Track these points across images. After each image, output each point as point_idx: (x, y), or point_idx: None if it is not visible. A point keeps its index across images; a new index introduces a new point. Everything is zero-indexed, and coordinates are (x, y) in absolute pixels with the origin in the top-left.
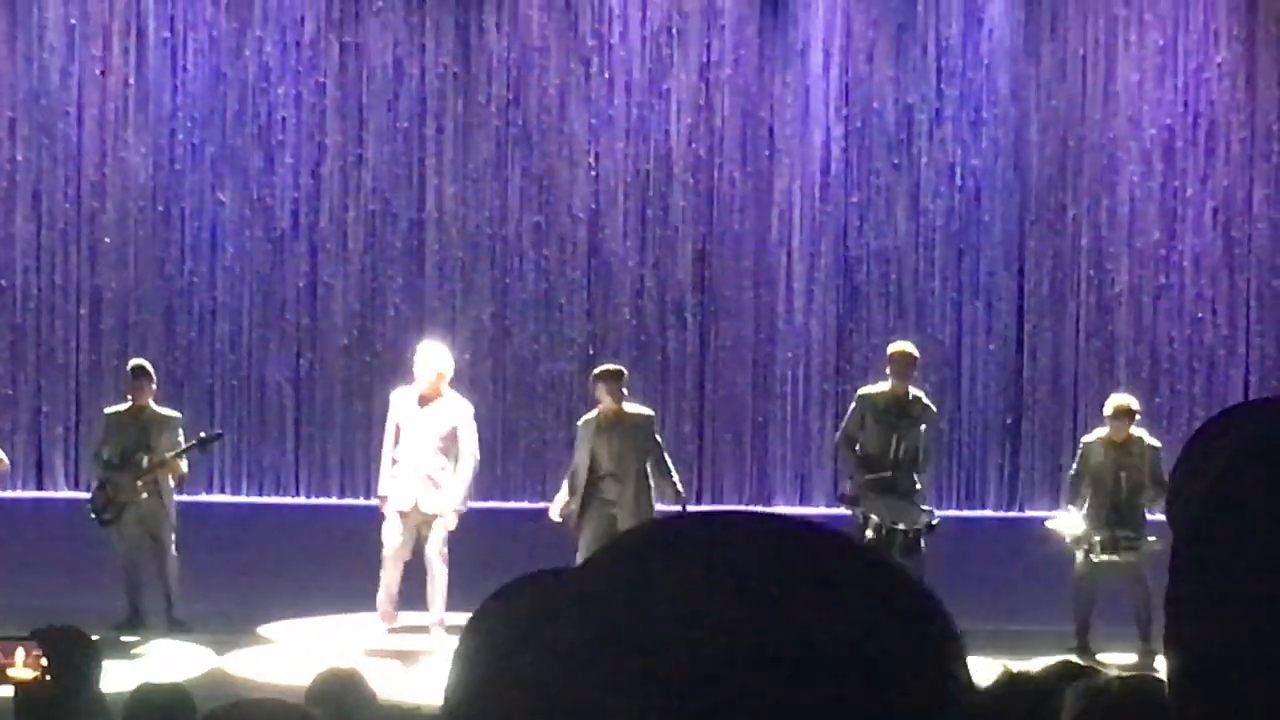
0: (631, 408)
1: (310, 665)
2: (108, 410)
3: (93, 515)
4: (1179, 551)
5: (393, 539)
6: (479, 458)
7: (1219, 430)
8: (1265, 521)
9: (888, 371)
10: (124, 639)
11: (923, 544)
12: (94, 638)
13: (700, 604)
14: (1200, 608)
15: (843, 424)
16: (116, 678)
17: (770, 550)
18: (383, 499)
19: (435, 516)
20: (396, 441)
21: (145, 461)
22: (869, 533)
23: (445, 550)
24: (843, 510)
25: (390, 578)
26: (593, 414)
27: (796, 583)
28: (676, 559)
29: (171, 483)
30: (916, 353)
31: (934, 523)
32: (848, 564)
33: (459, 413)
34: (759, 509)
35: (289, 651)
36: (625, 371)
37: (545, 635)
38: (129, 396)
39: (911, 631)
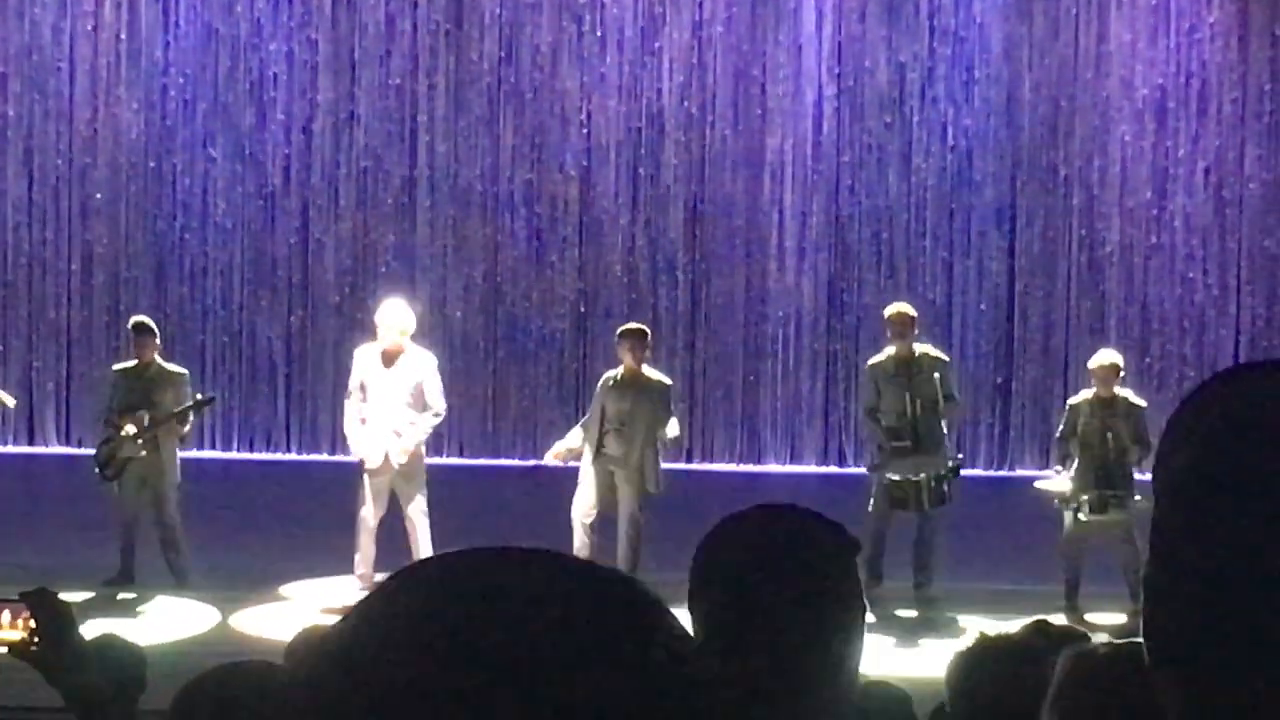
0: (652, 372)
1: (298, 622)
2: (115, 367)
3: (96, 470)
4: (1161, 515)
5: (368, 499)
6: (444, 409)
7: (1204, 398)
8: (1244, 491)
9: (888, 335)
10: (122, 595)
11: (947, 490)
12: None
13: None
14: (1179, 573)
15: (863, 398)
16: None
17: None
18: (361, 460)
19: (407, 472)
20: (363, 399)
21: (146, 419)
22: (897, 494)
23: (425, 505)
24: (837, 469)
25: (365, 540)
26: (614, 371)
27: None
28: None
29: (175, 441)
30: (913, 312)
31: (958, 466)
32: (532, 580)
33: (424, 366)
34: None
35: (279, 608)
36: (648, 332)
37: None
38: (133, 353)
39: (592, 628)
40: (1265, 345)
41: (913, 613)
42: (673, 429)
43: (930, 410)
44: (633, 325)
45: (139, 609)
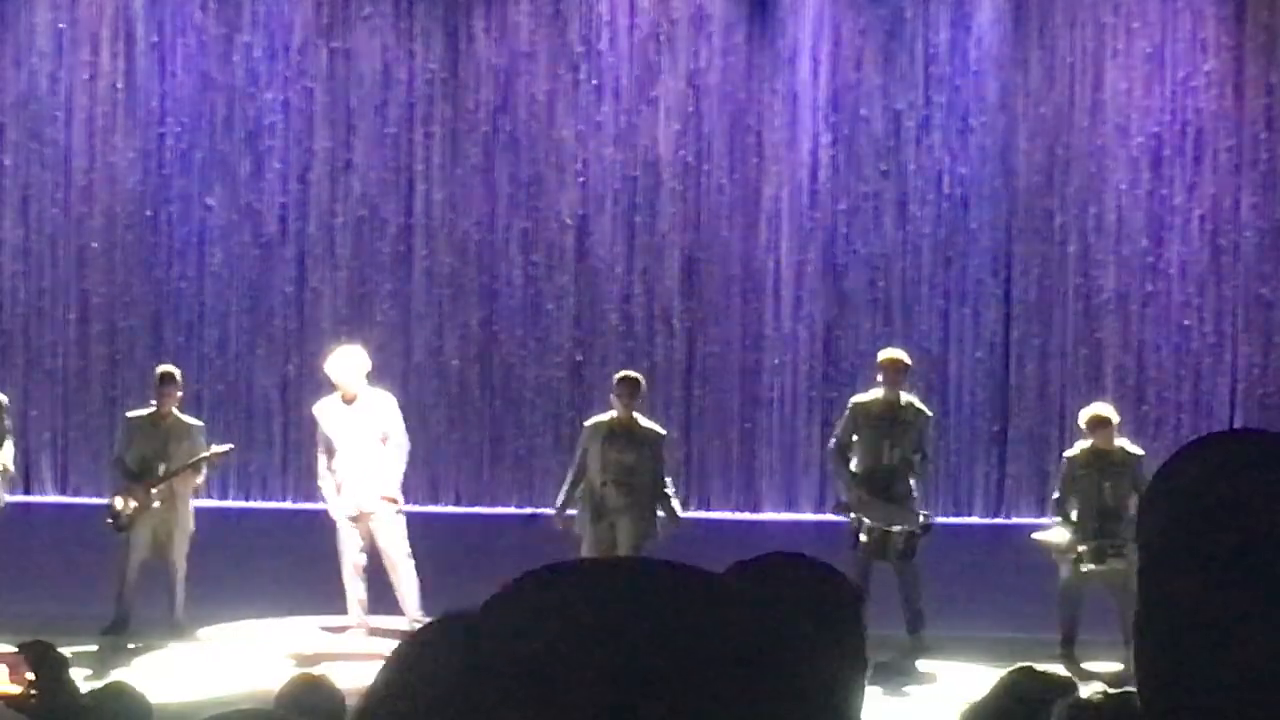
0: (645, 421)
1: (291, 670)
2: (128, 415)
3: (109, 521)
4: (1144, 574)
5: (350, 548)
6: (408, 443)
7: (1184, 460)
8: (1218, 553)
9: (879, 379)
10: (113, 645)
11: (918, 547)
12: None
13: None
14: (1159, 629)
15: (835, 433)
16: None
17: (622, 593)
18: (337, 519)
19: (379, 515)
20: (331, 455)
21: (161, 470)
22: (863, 537)
23: (406, 546)
24: (833, 517)
25: (355, 588)
26: (603, 418)
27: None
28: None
29: (189, 492)
30: (908, 359)
31: (929, 524)
32: (691, 599)
33: (384, 407)
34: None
35: (274, 654)
36: (642, 382)
37: (425, 669)
38: (154, 402)
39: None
40: (1261, 393)
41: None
42: (677, 507)
43: (904, 462)
44: (630, 374)
45: (132, 658)
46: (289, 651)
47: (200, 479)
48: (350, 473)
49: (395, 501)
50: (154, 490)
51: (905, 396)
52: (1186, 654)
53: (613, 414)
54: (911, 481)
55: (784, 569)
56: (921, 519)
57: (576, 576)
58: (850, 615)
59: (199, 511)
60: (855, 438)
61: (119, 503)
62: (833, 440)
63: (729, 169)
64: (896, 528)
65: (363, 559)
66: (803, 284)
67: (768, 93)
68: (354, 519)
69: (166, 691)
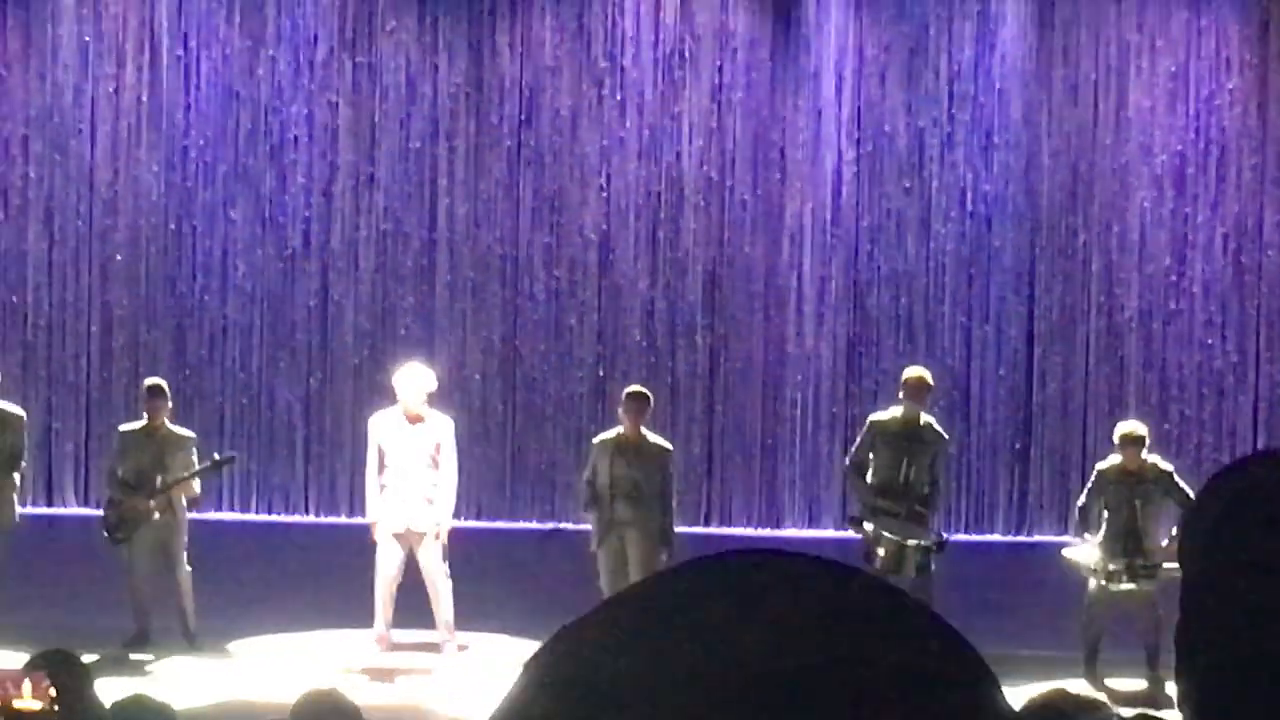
0: (652, 436)
1: (310, 682)
2: (122, 428)
3: (105, 534)
4: (1187, 591)
5: (389, 564)
6: (456, 473)
7: (1228, 478)
8: (1258, 570)
9: (900, 395)
10: (135, 657)
11: (932, 564)
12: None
13: (744, 644)
14: (1203, 647)
15: (853, 449)
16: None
17: (812, 592)
18: (373, 524)
19: (425, 534)
20: (381, 466)
21: (159, 481)
22: (880, 551)
23: (446, 566)
24: (852, 533)
25: (385, 602)
26: (610, 434)
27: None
28: (726, 600)
29: (185, 502)
30: (930, 378)
31: (943, 542)
32: (883, 605)
33: (443, 430)
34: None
35: (292, 668)
36: (650, 397)
37: (595, 668)
38: (144, 415)
39: (948, 665)
40: None
41: None
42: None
43: (920, 482)
44: (638, 389)
45: (154, 669)
46: (345, 666)
47: (197, 490)
48: (401, 490)
49: (446, 531)
50: (153, 502)
51: (925, 417)
52: (1232, 670)
53: (620, 430)
54: (925, 504)
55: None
56: (936, 535)
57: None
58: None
59: (223, 524)
60: (872, 455)
61: (114, 516)
62: (849, 457)
63: (752, 185)
64: (912, 542)
65: (399, 575)
66: (825, 300)
67: (791, 109)
68: (398, 535)
69: (190, 701)
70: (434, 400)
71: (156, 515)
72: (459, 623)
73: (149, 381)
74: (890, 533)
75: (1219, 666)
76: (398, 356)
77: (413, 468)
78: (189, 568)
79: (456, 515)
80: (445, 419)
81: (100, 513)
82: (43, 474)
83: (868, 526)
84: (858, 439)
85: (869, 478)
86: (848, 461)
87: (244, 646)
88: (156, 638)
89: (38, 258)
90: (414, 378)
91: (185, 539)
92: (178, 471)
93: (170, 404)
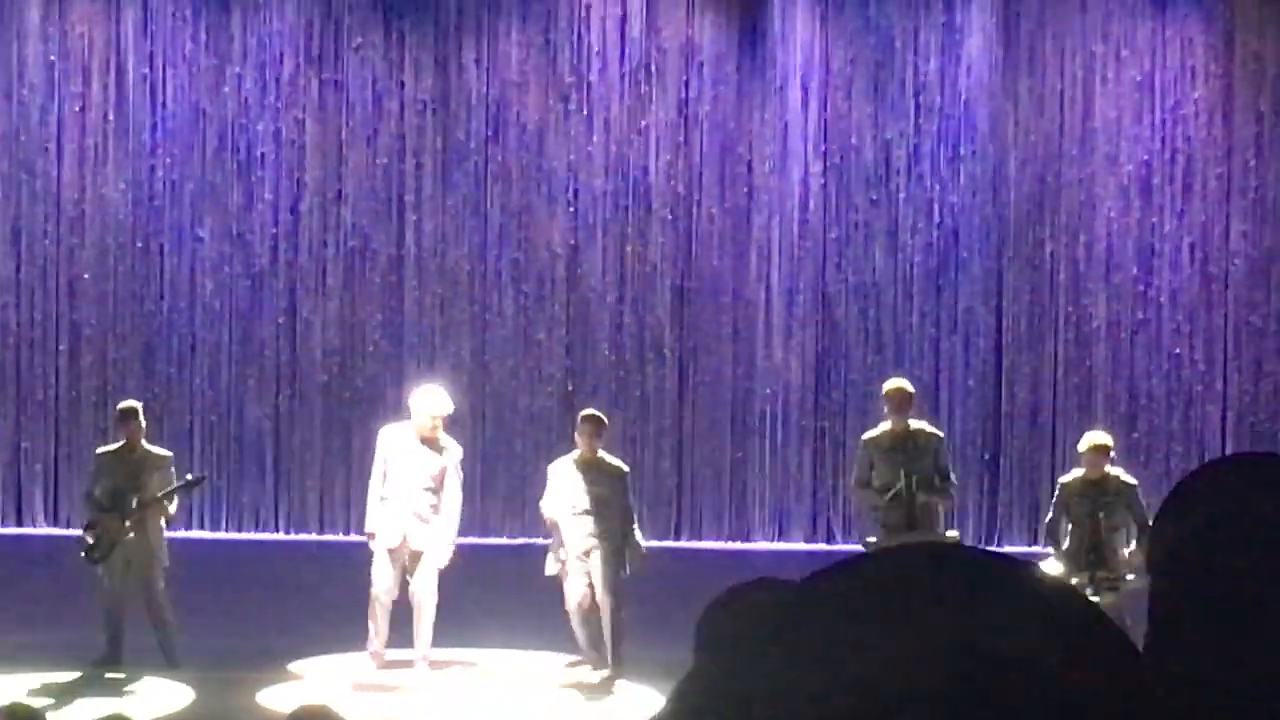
0: (609, 458)
1: (290, 702)
2: (99, 450)
3: (82, 555)
4: (1155, 598)
5: (383, 578)
6: (461, 502)
7: (1195, 485)
8: (1230, 571)
9: (885, 410)
10: (112, 676)
11: None
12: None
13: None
14: (1174, 657)
15: (854, 472)
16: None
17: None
18: (370, 535)
19: (422, 553)
20: (384, 479)
21: (134, 502)
22: None
23: (434, 587)
24: (825, 546)
25: (381, 619)
26: (568, 457)
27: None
28: (895, 590)
29: (162, 522)
30: (911, 388)
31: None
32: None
33: (451, 455)
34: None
35: (269, 688)
36: (604, 421)
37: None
38: (120, 437)
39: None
40: (1252, 420)
41: None
42: (640, 543)
43: (925, 487)
44: (591, 412)
45: (128, 689)
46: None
47: (172, 509)
48: (400, 505)
49: (447, 557)
50: (127, 522)
51: (915, 424)
52: (1204, 678)
53: (578, 451)
54: (939, 507)
55: None
56: (950, 538)
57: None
58: None
59: (191, 543)
60: (872, 472)
61: (91, 536)
62: (853, 479)
63: (720, 198)
64: None
65: (395, 591)
66: (794, 313)
67: (758, 122)
68: (392, 550)
69: None
70: (448, 425)
71: (130, 536)
72: (432, 638)
73: (122, 405)
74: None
75: (1190, 676)
76: (366, 373)
77: (415, 486)
78: (164, 588)
79: None
80: (455, 446)
81: (74, 533)
82: (12, 493)
83: (875, 542)
84: (855, 462)
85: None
86: (852, 483)
87: (217, 665)
88: (128, 656)
89: (5, 277)
90: (429, 400)
91: (165, 560)
92: (155, 491)
93: (144, 424)
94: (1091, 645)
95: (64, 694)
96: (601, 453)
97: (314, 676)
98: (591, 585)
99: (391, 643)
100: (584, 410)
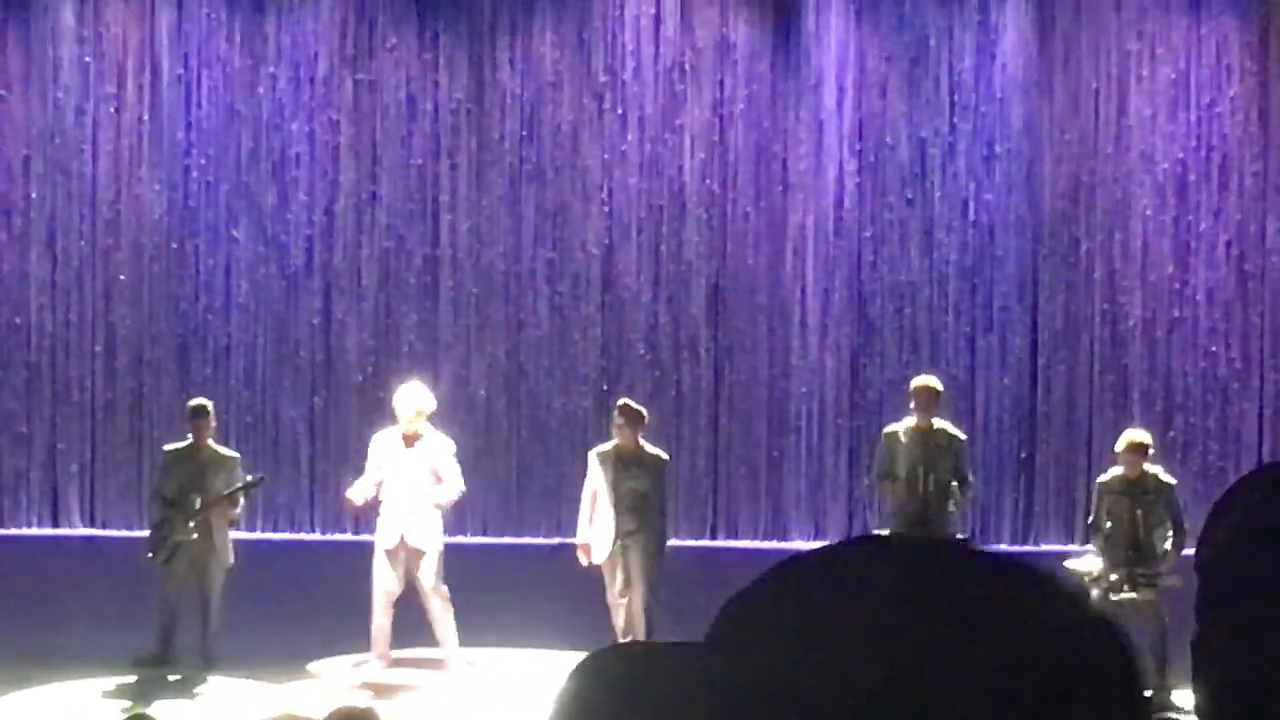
0: (650, 448)
1: (325, 703)
2: (166, 448)
3: (149, 555)
4: (1203, 600)
5: (382, 579)
6: (463, 489)
7: (1243, 490)
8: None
9: (911, 406)
10: (163, 676)
11: None
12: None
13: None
14: (1225, 646)
15: (873, 464)
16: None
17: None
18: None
19: (424, 552)
20: (378, 482)
21: (198, 502)
22: None
23: (441, 585)
24: None
25: (382, 619)
26: (608, 446)
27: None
28: (840, 592)
29: (225, 524)
30: (940, 386)
31: (970, 540)
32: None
33: (441, 450)
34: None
35: (307, 687)
36: (639, 411)
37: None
38: (189, 435)
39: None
40: None
41: None
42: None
43: (943, 487)
44: (630, 405)
45: (175, 690)
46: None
47: (237, 510)
48: (396, 507)
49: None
50: (191, 522)
51: (938, 423)
52: (1249, 679)
53: (616, 442)
54: (950, 507)
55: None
56: (964, 536)
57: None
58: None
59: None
60: (893, 465)
61: (158, 536)
62: (870, 471)
63: (755, 197)
64: None
65: (396, 590)
66: (829, 312)
67: (793, 121)
68: (390, 551)
69: None
70: (435, 419)
71: (195, 536)
72: (466, 638)
73: (193, 402)
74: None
75: (1236, 676)
76: (402, 373)
77: (409, 487)
78: (219, 596)
79: (461, 531)
80: (445, 440)
81: (110, 534)
82: (47, 495)
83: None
84: (875, 454)
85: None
86: (871, 476)
87: (254, 665)
88: (179, 658)
89: (41, 278)
90: (408, 397)
91: (228, 562)
92: (218, 491)
93: (213, 423)
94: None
95: (132, 695)
96: (643, 442)
97: (331, 676)
98: (625, 579)
99: (409, 641)
100: (622, 400)
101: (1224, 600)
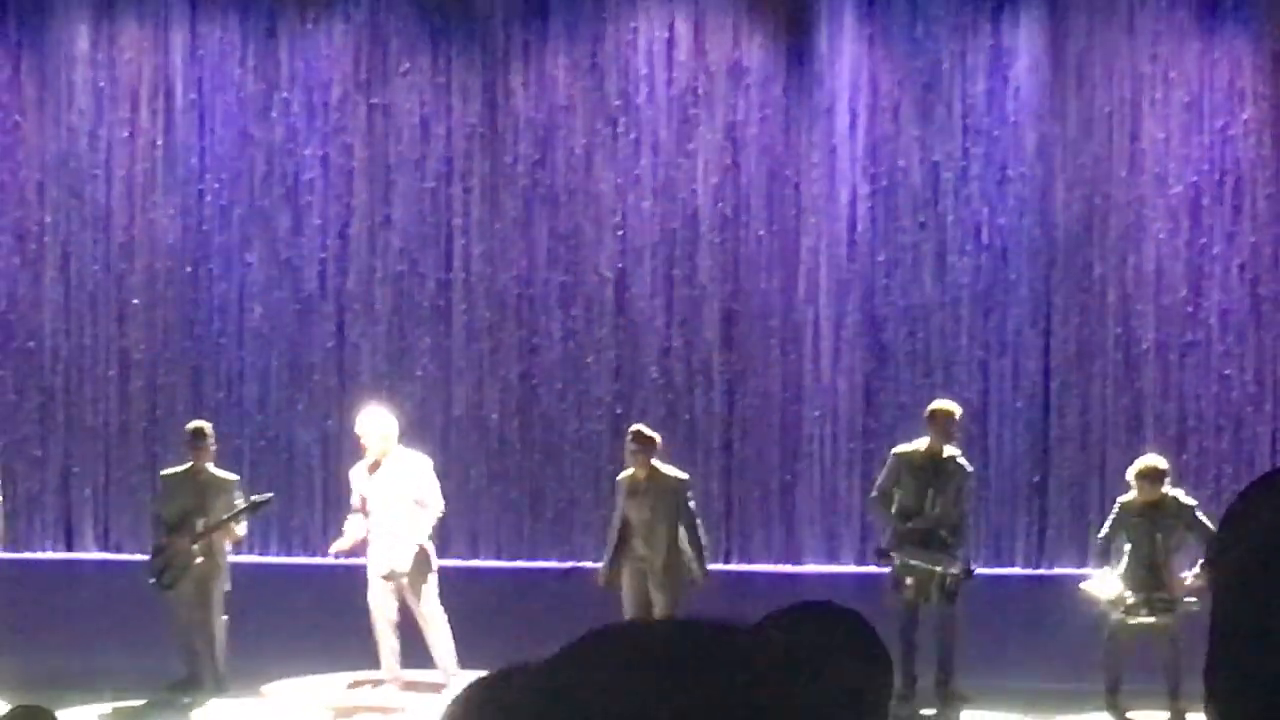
0: (665, 469)
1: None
2: (164, 472)
3: (151, 580)
4: (1220, 609)
5: (378, 603)
6: (442, 507)
7: (1256, 498)
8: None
9: (927, 428)
10: (185, 700)
11: (960, 590)
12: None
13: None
14: (1240, 662)
15: (878, 481)
16: None
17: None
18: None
19: (412, 576)
20: (365, 515)
21: (200, 525)
22: (908, 580)
23: (437, 607)
24: (875, 568)
25: (387, 642)
26: (626, 473)
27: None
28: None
29: (228, 545)
30: (956, 411)
31: (971, 570)
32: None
33: (416, 467)
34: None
35: (312, 710)
36: (655, 439)
37: None
38: (189, 459)
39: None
40: None
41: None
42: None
43: (946, 513)
44: (641, 431)
45: (179, 714)
46: (326, 704)
47: (240, 532)
48: (381, 535)
49: (408, 564)
50: (194, 545)
51: (949, 449)
52: (1266, 686)
53: (631, 470)
54: (951, 536)
55: (812, 620)
56: (964, 563)
57: (625, 639)
58: (877, 663)
59: (242, 567)
60: (899, 486)
61: (159, 562)
62: (875, 489)
63: (767, 221)
64: (939, 570)
65: (395, 614)
66: (842, 336)
67: (805, 145)
68: (384, 577)
69: None
70: (435, 440)
71: (199, 559)
72: (476, 662)
73: (191, 425)
74: (917, 562)
75: (1248, 699)
76: (415, 398)
77: (385, 512)
78: (225, 616)
79: (474, 555)
80: (418, 457)
81: (124, 558)
82: (61, 518)
83: (894, 557)
84: (882, 471)
85: (893, 509)
86: (873, 493)
87: (268, 688)
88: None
89: (54, 302)
90: (363, 424)
91: (227, 585)
92: (220, 514)
93: (213, 446)
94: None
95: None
96: (658, 465)
97: (340, 699)
98: (643, 604)
99: (427, 663)
100: (633, 427)
101: (1239, 612)
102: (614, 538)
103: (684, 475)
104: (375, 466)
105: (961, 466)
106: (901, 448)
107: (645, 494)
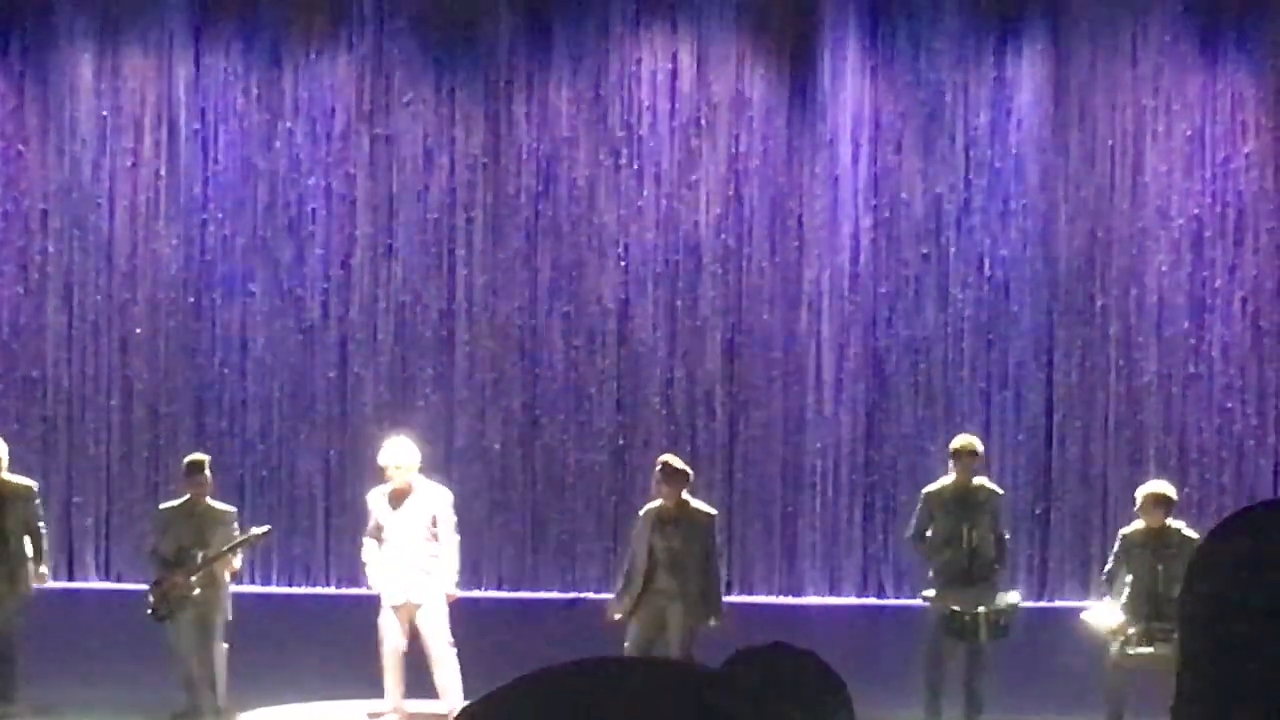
0: (695, 503)
1: None
2: (161, 506)
3: (149, 613)
4: (1185, 642)
5: (389, 635)
6: (456, 543)
7: (1225, 533)
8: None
9: (951, 465)
10: None
11: (1007, 625)
12: None
13: None
14: (1204, 696)
15: (912, 523)
16: None
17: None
18: (380, 595)
19: (427, 607)
20: (380, 543)
21: (200, 557)
22: (951, 623)
23: (449, 636)
24: (875, 600)
25: (394, 674)
26: (653, 505)
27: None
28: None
29: (227, 577)
30: (980, 446)
31: (1018, 603)
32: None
33: (437, 501)
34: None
35: None
36: (688, 472)
37: None
38: (187, 492)
39: None
40: None
41: None
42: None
43: (985, 542)
44: (672, 463)
45: None
46: None
47: (238, 563)
48: (398, 563)
49: (451, 598)
50: (194, 578)
51: (976, 480)
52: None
53: (660, 501)
54: (995, 565)
55: (769, 660)
56: (1008, 598)
57: (562, 680)
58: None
59: (244, 597)
60: (932, 525)
61: (156, 594)
62: (910, 531)
63: (770, 252)
64: (983, 609)
65: (403, 645)
66: (844, 367)
67: (808, 176)
68: (397, 607)
69: None
70: (446, 472)
71: (197, 591)
72: (479, 693)
73: (189, 458)
74: (963, 604)
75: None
76: (417, 428)
77: (406, 542)
78: (225, 645)
79: (477, 586)
80: (441, 491)
81: (126, 588)
82: (63, 548)
83: (941, 604)
84: (914, 514)
85: (929, 546)
86: (908, 535)
87: (264, 717)
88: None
89: (57, 332)
90: (389, 453)
91: (228, 615)
92: (218, 547)
93: (211, 478)
94: None
95: None
96: (688, 499)
97: None
98: (656, 638)
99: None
100: (665, 457)
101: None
102: (640, 569)
103: (713, 510)
104: (397, 496)
105: (992, 491)
106: (930, 488)
107: (675, 526)
